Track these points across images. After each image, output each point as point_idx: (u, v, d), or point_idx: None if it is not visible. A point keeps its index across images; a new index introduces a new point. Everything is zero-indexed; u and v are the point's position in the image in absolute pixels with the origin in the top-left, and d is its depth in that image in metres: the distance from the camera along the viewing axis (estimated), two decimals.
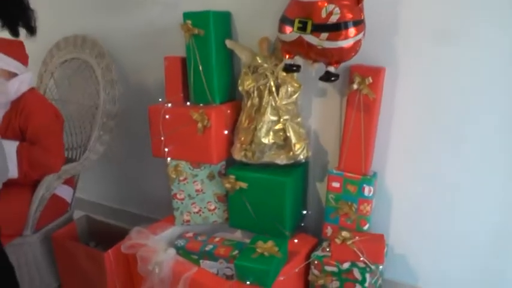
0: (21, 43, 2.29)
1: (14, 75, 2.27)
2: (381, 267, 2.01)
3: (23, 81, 2.29)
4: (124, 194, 3.11)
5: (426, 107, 1.91)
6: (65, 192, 2.49)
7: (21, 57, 2.31)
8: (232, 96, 2.24)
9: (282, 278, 1.90)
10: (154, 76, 2.58)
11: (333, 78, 1.79)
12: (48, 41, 2.85)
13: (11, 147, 2.16)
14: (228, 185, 2.11)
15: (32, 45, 2.95)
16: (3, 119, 2.27)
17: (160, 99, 2.26)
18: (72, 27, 2.85)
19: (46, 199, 2.30)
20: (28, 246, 2.30)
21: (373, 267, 1.91)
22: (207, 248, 2.08)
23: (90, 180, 3.13)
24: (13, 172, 2.17)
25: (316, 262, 1.99)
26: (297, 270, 1.99)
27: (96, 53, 2.61)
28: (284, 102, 2.01)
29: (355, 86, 1.89)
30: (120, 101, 2.59)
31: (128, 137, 2.90)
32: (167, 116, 2.12)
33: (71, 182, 2.55)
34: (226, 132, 2.13)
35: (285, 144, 2.04)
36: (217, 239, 2.17)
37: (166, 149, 2.16)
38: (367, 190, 1.98)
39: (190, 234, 2.23)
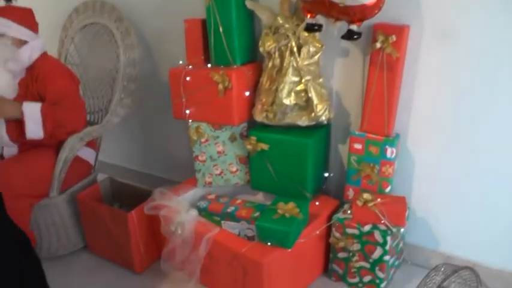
0: (30, 10, 2.29)
1: (25, 42, 2.27)
2: (402, 230, 2.00)
3: (34, 48, 2.29)
4: (146, 157, 3.14)
5: (452, 66, 1.86)
6: (88, 155, 2.51)
7: (31, 24, 2.30)
8: (253, 58, 2.21)
9: (302, 240, 1.91)
10: (175, 39, 2.56)
11: (355, 37, 1.76)
12: (68, 6, 2.84)
13: (34, 108, 2.18)
14: (249, 147, 2.10)
15: (52, 11, 2.97)
16: (20, 86, 2.29)
17: (181, 62, 2.25)
18: None
19: (69, 161, 2.33)
20: (55, 207, 2.34)
21: (394, 230, 1.91)
22: (228, 210, 2.10)
23: (113, 144, 3.17)
24: (39, 133, 2.20)
25: (337, 224, 2.00)
26: (318, 232, 2.00)
27: (115, 17, 2.59)
28: (306, 63, 1.98)
29: (378, 45, 1.85)
30: (141, 64, 2.59)
31: (149, 100, 2.91)
32: (188, 78, 2.12)
33: (93, 144, 2.57)
34: (247, 93, 2.12)
35: (306, 105, 2.02)
36: (239, 201, 2.18)
37: (187, 111, 2.16)
38: (390, 152, 1.96)
39: (212, 196, 2.25)
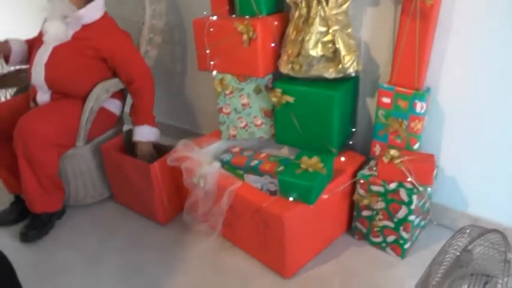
0: None
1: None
2: (429, 189, 1.92)
3: (99, 6, 2.27)
4: (172, 109, 3.10)
5: (490, 15, 1.71)
6: (114, 106, 2.47)
7: None
8: (280, 8, 2.09)
9: (325, 196, 1.85)
10: None
11: None
12: None
13: (149, 130, 2.35)
14: (274, 99, 2.02)
15: None
16: (72, 37, 2.26)
17: (205, 13, 2.17)
18: None
19: (95, 111, 2.31)
20: (81, 157, 2.35)
21: (420, 188, 1.82)
22: (252, 164, 2.05)
23: None
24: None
25: (362, 181, 1.92)
26: (341, 188, 1.93)
27: None
28: (334, 12, 1.85)
29: None
30: (167, 16, 2.51)
31: (175, 51, 2.84)
32: (212, 29, 2.04)
33: (119, 96, 2.52)
34: (273, 44, 2.02)
35: (333, 56, 1.91)
36: (263, 155, 2.13)
37: (211, 62, 2.09)
38: (419, 106, 1.85)
39: (236, 149, 2.20)
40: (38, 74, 2.26)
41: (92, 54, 2.26)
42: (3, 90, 3.18)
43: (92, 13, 2.26)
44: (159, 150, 2.36)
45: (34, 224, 2.25)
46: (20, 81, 2.61)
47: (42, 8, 2.26)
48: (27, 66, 2.44)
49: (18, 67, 2.65)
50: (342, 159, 2.05)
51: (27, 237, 2.21)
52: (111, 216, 2.40)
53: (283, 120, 2.08)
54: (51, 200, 2.27)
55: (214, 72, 2.12)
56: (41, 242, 2.22)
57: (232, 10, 2.09)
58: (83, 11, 2.21)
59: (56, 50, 2.25)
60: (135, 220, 2.35)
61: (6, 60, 2.48)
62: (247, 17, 2.00)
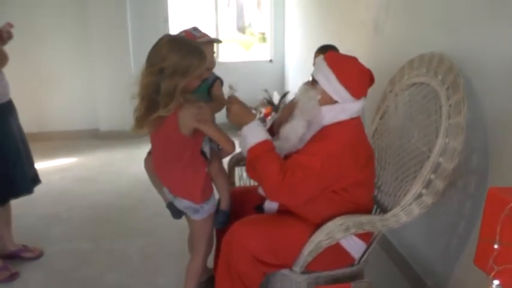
0: (365, 74, 1.64)
1: (334, 101, 1.64)
2: None
3: (345, 110, 1.63)
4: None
5: None
6: (353, 247, 1.73)
7: (355, 87, 1.61)
8: None
9: None
10: None
11: None
12: (404, 56, 2.07)
13: (260, 133, 1.67)
14: None
15: (387, 62, 2.33)
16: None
17: None
18: (434, 42, 2.02)
19: (323, 247, 1.63)
20: (293, 284, 1.76)
21: None
22: None
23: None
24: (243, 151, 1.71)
25: None
26: None
27: (449, 82, 1.67)
28: None
29: None
30: (462, 156, 1.64)
31: (460, 204, 1.91)
32: None
33: (367, 238, 1.75)
34: None
35: None
36: None
37: (495, 268, 1.20)
38: None
39: None
40: None
41: None
42: None
43: (333, 113, 1.62)
44: None
45: None
46: None
47: None
48: None
49: None
50: None
51: None
52: None
53: None
54: None
55: (495, 284, 1.21)
56: None
57: None
58: (325, 109, 1.62)
59: None
60: None
61: None
62: None
